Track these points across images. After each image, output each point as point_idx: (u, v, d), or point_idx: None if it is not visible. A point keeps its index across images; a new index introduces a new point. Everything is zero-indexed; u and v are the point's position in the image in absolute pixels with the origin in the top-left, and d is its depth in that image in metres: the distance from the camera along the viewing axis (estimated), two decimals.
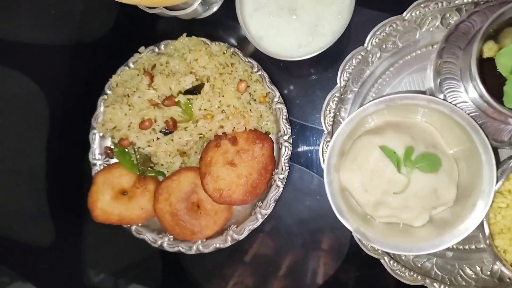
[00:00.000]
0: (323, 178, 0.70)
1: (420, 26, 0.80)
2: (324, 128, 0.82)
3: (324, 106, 0.81)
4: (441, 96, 0.70)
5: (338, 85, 0.81)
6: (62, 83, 1.02)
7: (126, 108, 0.84)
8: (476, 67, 0.62)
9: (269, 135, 0.87)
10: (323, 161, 0.81)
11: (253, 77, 0.86)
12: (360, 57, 0.81)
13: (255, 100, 0.86)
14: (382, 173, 0.69)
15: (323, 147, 0.81)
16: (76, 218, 0.99)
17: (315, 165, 0.90)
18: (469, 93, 0.69)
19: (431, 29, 0.80)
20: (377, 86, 0.83)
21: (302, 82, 0.91)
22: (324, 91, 0.86)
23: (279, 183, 0.84)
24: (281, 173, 0.84)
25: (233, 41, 0.93)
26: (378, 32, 0.80)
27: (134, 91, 0.84)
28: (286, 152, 0.85)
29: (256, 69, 0.86)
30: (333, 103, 0.82)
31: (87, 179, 0.92)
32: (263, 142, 0.83)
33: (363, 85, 0.83)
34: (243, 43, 0.92)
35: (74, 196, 0.98)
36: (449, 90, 0.69)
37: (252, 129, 0.84)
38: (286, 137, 0.85)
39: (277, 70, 0.90)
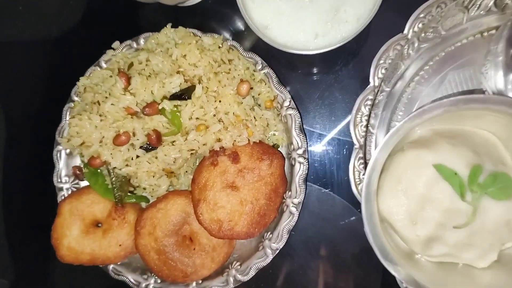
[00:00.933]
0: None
1: (468, 9, 0.67)
2: (354, 140, 0.70)
3: (353, 112, 0.70)
4: None
5: (371, 84, 0.69)
6: (21, 88, 0.93)
7: (96, 119, 0.74)
8: None
9: (279, 149, 0.79)
10: (354, 183, 0.68)
11: (257, 77, 0.78)
12: (399, 47, 0.66)
13: (259, 105, 0.79)
14: (437, 200, 0.58)
15: (354, 166, 0.67)
16: (39, 254, 0.89)
17: (336, 184, 0.80)
18: None
19: (481, 12, 0.69)
20: (413, 85, 0.73)
21: (317, 81, 0.81)
22: (346, 93, 0.79)
23: (293, 209, 0.74)
24: (295, 197, 0.75)
25: (230, 32, 0.86)
26: (422, 15, 0.66)
27: (107, 97, 0.75)
28: (300, 170, 0.74)
29: (260, 67, 0.77)
30: (365, 107, 0.67)
31: (53, 205, 0.82)
32: (271, 158, 0.74)
33: (396, 84, 0.71)
34: (243, 35, 0.85)
35: (36, 228, 0.89)
36: None
37: (257, 142, 0.76)
38: (300, 151, 0.75)
39: (287, 67, 0.82)
